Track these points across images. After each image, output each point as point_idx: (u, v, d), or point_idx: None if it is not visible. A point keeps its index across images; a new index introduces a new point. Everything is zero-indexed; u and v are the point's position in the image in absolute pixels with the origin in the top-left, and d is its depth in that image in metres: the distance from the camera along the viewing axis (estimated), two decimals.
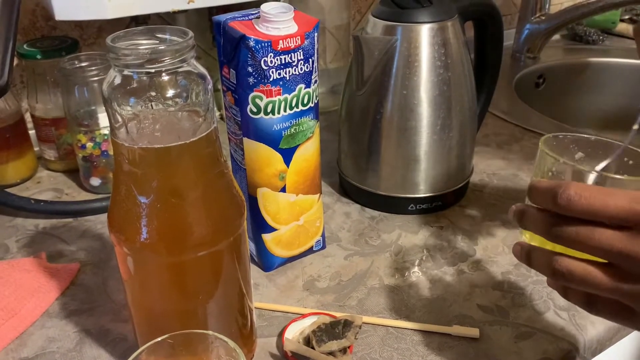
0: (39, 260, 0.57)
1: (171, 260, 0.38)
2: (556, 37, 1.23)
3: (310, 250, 0.58)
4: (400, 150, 0.62)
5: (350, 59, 0.65)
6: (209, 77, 0.36)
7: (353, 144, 0.66)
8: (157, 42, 0.35)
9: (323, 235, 0.59)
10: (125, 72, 0.34)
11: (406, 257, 0.58)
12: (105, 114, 0.66)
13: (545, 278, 0.54)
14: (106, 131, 0.68)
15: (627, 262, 0.33)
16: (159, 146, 0.35)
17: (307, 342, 0.46)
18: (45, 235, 0.63)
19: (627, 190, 0.33)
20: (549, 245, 0.37)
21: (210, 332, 0.37)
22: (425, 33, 0.59)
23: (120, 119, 0.35)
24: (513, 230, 0.62)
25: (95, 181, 0.69)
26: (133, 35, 0.36)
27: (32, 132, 0.75)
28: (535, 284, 0.54)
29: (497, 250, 0.59)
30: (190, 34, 0.35)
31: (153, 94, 0.35)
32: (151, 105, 0.35)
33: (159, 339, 0.36)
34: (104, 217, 0.65)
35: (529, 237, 0.42)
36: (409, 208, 0.64)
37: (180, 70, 0.35)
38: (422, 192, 0.64)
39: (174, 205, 0.37)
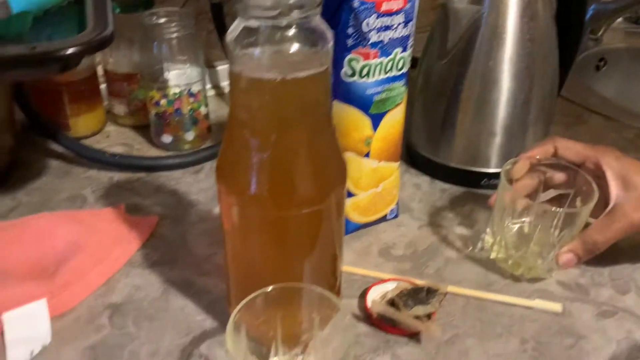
0: (119, 212, 0.58)
1: (277, 215, 0.39)
2: (618, 19, 1.19)
3: (383, 219, 0.58)
4: (478, 123, 0.62)
5: (431, 28, 0.65)
6: (330, 36, 0.36)
7: (428, 114, 0.65)
8: None
9: (397, 204, 0.59)
10: (251, 23, 0.34)
11: (482, 230, 0.58)
12: (176, 72, 0.67)
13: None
14: (177, 89, 0.68)
15: None
16: (288, 77, 0.35)
17: (391, 305, 0.47)
18: (120, 188, 0.64)
19: None
20: None
21: (316, 287, 0.38)
22: (514, 4, 0.58)
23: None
24: None
25: (166, 138, 0.70)
26: None
27: (102, 86, 0.75)
28: (613, 264, 0.54)
29: None
30: None
31: (276, 48, 0.35)
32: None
33: (269, 288, 0.37)
34: (176, 173, 0.66)
35: None
36: (482, 183, 0.64)
37: (305, 26, 0.35)
38: (496, 166, 0.63)
39: (288, 160, 0.37)
